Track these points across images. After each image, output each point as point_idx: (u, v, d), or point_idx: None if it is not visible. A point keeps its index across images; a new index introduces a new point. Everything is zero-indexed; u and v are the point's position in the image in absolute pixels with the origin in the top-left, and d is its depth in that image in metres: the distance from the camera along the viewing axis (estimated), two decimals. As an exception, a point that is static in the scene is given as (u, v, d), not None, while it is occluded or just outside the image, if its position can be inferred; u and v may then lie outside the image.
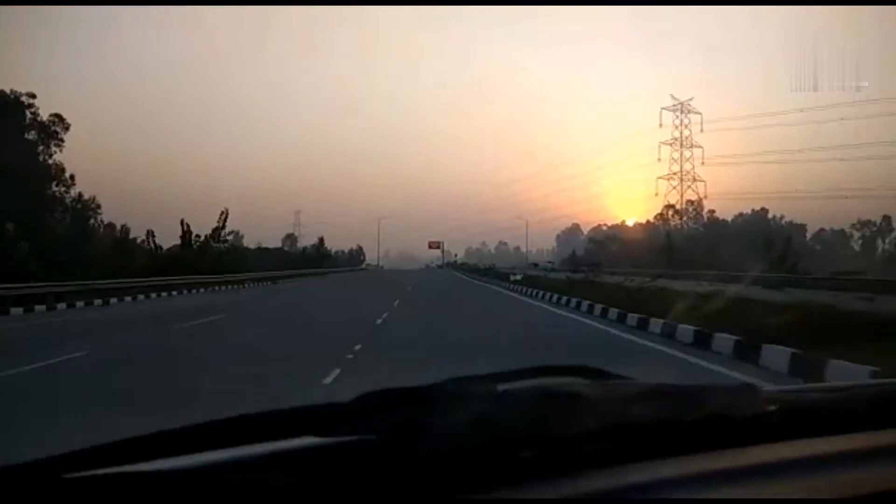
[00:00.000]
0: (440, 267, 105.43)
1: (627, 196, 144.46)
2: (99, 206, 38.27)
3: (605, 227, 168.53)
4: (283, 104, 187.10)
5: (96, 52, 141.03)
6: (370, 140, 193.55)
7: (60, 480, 0.69)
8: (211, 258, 38.43)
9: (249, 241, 69.04)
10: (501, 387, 0.83)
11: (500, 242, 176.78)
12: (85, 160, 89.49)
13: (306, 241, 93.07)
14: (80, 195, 36.33)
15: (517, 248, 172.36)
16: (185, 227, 40.02)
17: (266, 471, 0.71)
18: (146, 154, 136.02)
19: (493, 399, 0.80)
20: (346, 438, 0.76)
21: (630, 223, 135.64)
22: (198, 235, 40.46)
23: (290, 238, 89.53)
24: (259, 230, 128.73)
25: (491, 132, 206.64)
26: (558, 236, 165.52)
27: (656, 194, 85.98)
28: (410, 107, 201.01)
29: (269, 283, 42.38)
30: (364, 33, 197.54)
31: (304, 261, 66.01)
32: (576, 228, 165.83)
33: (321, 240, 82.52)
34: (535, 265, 69.72)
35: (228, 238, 42.47)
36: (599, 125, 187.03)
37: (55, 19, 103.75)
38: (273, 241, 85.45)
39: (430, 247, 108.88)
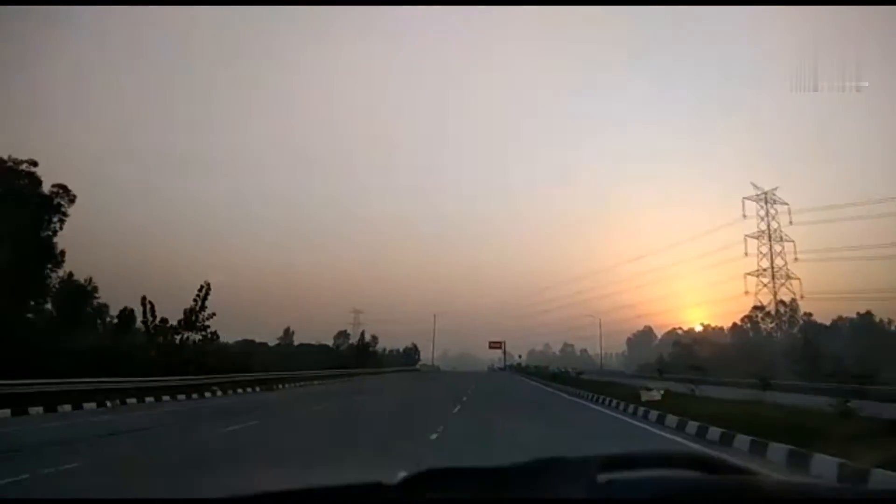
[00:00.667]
0: (502, 369, 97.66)
1: (708, 296, 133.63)
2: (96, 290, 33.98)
3: (680, 331, 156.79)
4: (337, 196, 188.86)
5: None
6: (431, 236, 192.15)
7: None
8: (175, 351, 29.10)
9: (305, 339, 66.91)
10: (603, 476, 0.69)
11: (566, 344, 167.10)
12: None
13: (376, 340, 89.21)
14: (70, 275, 32.02)
15: (584, 351, 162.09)
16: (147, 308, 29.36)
17: None
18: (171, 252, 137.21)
19: (592, 490, 0.66)
20: None
21: (707, 325, 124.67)
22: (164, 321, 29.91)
23: (342, 335, 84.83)
24: (318, 328, 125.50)
25: (556, 225, 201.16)
26: (629, 339, 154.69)
27: (746, 293, 76.63)
28: (472, 196, 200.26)
29: (253, 388, 30.50)
30: (418, 130, 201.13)
31: (348, 359, 60.74)
32: (648, 332, 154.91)
33: (362, 335, 75.94)
34: (574, 370, 62.98)
35: (208, 325, 30.84)
36: (675, 217, 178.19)
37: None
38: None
39: (490, 346, 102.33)
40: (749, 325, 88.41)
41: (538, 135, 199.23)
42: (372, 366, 62.94)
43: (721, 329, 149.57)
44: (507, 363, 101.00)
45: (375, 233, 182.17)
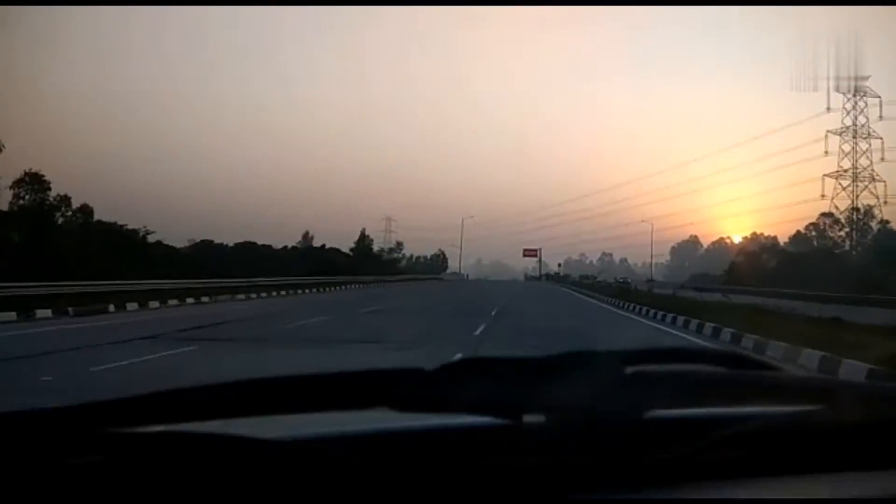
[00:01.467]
0: (537, 278, 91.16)
1: (762, 202, 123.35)
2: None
3: (728, 241, 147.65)
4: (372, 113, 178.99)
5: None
6: (464, 142, 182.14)
7: (104, 434, 0.58)
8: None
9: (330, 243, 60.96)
10: (630, 368, 0.73)
11: (604, 253, 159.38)
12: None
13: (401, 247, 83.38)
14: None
15: (623, 260, 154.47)
16: None
17: (326, 446, 0.62)
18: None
19: (619, 381, 0.69)
20: (426, 416, 0.64)
21: (759, 233, 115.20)
22: None
23: (364, 238, 78.82)
24: (346, 234, 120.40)
25: (597, 128, 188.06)
26: (673, 248, 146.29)
27: (822, 196, 67.13)
28: (507, 102, 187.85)
29: None
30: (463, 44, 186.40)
31: (359, 265, 53.41)
32: (693, 241, 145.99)
33: (362, 234, 65.49)
34: (623, 280, 56.46)
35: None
36: (730, 117, 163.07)
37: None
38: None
39: (525, 254, 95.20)
40: (814, 233, 79.73)
41: (576, 35, 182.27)
42: (384, 273, 56.48)
43: (774, 238, 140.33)
44: (543, 272, 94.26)
45: (407, 140, 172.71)
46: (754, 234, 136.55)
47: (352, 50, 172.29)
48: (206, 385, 0.66)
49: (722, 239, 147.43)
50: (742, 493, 0.66)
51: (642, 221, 78.28)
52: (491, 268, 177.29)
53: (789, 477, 0.68)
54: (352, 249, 59.58)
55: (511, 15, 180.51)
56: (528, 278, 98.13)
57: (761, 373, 0.90)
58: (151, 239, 32.91)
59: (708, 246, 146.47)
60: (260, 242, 50.61)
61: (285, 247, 53.16)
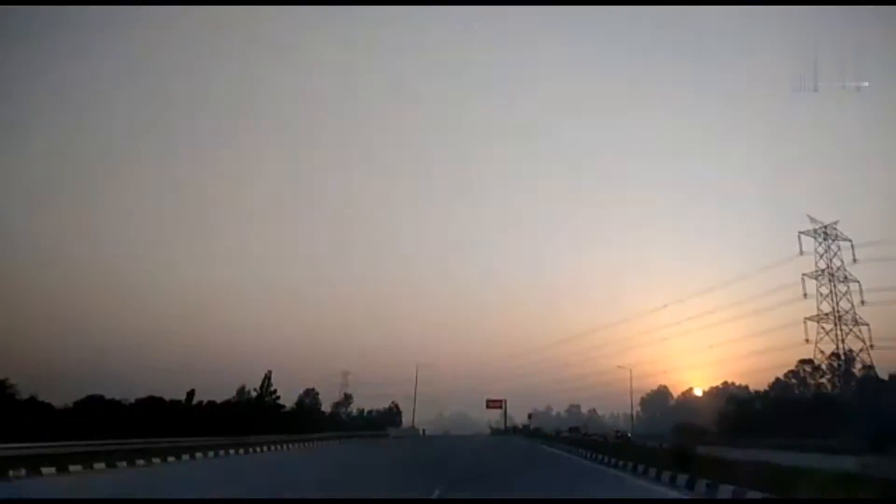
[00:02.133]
0: (504, 432, 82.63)
1: (731, 352, 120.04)
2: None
3: (698, 392, 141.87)
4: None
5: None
6: (424, 295, 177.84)
7: None
8: None
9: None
10: None
11: (571, 405, 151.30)
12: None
13: (359, 402, 75.51)
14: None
15: (592, 412, 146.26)
16: None
17: None
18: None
19: None
20: None
21: (731, 383, 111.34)
22: None
23: (310, 393, 69.77)
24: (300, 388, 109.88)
25: (560, 271, 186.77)
26: (643, 399, 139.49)
27: (807, 341, 63.38)
28: (470, 243, 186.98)
29: None
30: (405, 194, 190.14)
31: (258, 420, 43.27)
32: (664, 391, 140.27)
33: (263, 386, 56.31)
34: (621, 435, 49.80)
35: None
36: (700, 263, 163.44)
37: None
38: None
39: (489, 406, 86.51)
40: (794, 380, 75.17)
41: (541, 177, 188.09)
42: (314, 430, 47.27)
43: (745, 388, 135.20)
44: (510, 424, 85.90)
45: (365, 291, 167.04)
46: (725, 383, 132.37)
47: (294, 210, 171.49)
48: None
49: (691, 389, 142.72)
50: None
51: (619, 367, 72.20)
52: (453, 420, 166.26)
53: None
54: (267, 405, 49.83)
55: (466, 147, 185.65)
56: (495, 431, 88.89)
57: None
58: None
59: (678, 397, 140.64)
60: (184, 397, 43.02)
61: (200, 402, 44.96)
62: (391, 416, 74.43)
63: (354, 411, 73.29)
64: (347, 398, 71.42)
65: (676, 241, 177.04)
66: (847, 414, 45.84)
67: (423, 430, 79.35)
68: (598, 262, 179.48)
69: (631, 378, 74.27)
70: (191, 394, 43.51)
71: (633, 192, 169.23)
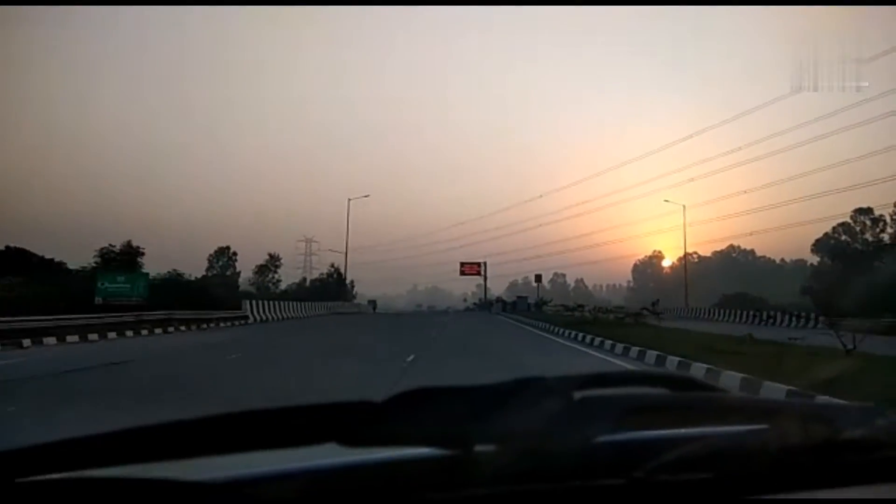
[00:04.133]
0: (483, 307, 65.91)
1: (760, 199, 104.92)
2: None
3: (695, 256, 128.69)
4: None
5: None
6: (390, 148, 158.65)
7: (14, 484, 0.57)
8: None
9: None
10: (578, 393, 0.74)
11: (556, 274, 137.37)
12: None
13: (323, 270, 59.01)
14: None
15: (579, 282, 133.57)
16: None
17: (263, 485, 0.61)
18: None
19: (568, 406, 0.71)
20: (376, 450, 0.66)
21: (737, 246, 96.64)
22: None
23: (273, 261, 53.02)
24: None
25: (534, 128, 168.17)
26: (635, 266, 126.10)
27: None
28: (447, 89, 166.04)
29: None
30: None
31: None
32: (657, 257, 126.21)
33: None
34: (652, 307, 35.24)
35: None
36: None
37: None
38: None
39: (462, 272, 66.20)
40: (845, 236, 60.37)
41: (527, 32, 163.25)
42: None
43: (752, 252, 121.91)
44: (490, 298, 68.75)
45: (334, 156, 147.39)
46: (731, 246, 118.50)
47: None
48: (139, 426, 0.62)
49: (688, 255, 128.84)
50: None
51: (667, 201, 52.86)
52: (427, 294, 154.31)
53: (737, 498, 0.69)
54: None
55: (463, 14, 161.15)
56: (468, 309, 72.06)
57: (708, 395, 0.95)
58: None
59: (673, 263, 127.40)
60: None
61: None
62: (331, 285, 55.32)
63: (284, 280, 56.65)
64: (274, 259, 54.22)
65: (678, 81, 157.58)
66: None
67: (375, 305, 62.59)
68: (581, 115, 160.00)
69: (685, 212, 57.95)
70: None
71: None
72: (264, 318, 30.34)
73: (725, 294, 52.69)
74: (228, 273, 52.75)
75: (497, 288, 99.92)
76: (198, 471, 0.60)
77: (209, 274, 51.18)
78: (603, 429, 0.69)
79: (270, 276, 52.62)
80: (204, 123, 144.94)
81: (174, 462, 0.61)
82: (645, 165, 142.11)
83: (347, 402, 0.67)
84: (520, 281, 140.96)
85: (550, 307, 52.36)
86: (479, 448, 0.63)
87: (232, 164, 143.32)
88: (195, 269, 48.88)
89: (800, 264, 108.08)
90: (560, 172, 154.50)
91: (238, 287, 48.27)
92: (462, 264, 65.43)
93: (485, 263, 66.09)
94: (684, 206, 52.02)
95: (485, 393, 0.69)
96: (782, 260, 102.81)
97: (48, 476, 0.55)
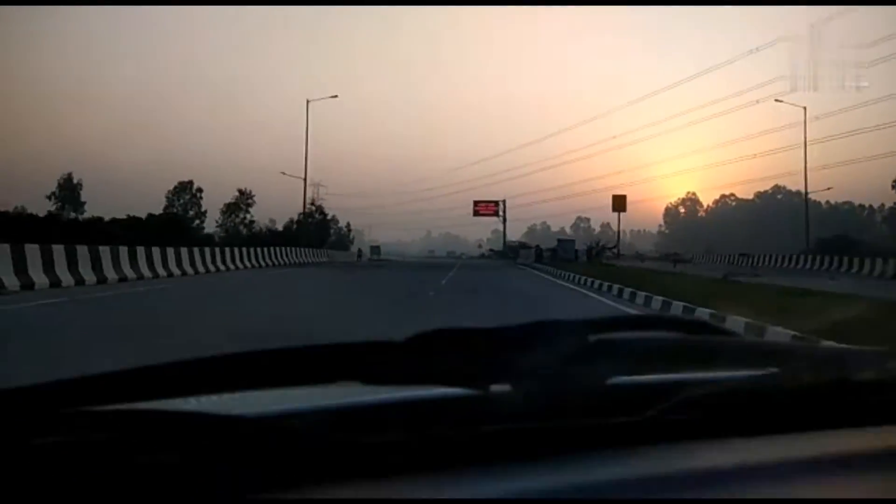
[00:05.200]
0: (496, 255, 57.55)
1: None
2: None
3: (732, 199, 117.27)
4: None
5: None
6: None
7: (58, 414, 0.60)
8: None
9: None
10: (593, 336, 0.76)
11: (580, 218, 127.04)
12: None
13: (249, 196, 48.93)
14: None
15: (606, 226, 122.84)
16: None
17: (295, 421, 0.65)
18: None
19: (583, 348, 0.72)
20: (398, 389, 0.69)
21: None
22: None
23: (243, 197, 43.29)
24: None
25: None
26: (668, 210, 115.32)
27: None
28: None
29: None
30: None
31: None
32: (692, 200, 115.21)
33: None
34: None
35: None
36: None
37: None
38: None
39: (476, 212, 55.11)
40: None
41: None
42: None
43: (798, 194, 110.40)
44: (512, 243, 57.88)
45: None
46: (776, 186, 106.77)
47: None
48: (170, 362, 0.64)
49: (724, 197, 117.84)
50: (705, 454, 0.68)
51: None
52: (442, 241, 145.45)
53: (746, 438, 0.71)
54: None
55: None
56: (484, 256, 61.75)
57: (720, 338, 0.95)
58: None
59: (709, 206, 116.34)
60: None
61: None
62: (313, 228, 44.34)
63: (260, 220, 46.97)
64: (245, 196, 44.67)
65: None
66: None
67: (368, 252, 50.42)
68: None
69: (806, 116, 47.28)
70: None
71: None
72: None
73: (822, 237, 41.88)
74: (192, 213, 43.85)
75: (513, 235, 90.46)
76: (227, 406, 0.63)
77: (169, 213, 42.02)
78: (617, 370, 0.71)
79: (242, 216, 43.58)
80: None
81: (203, 397, 0.64)
82: (680, 94, 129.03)
83: (370, 342, 0.68)
84: (538, 226, 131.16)
85: (612, 256, 40.92)
86: (495, 388, 0.65)
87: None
88: (153, 207, 40.17)
89: (846, 206, 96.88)
90: (583, 105, 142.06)
91: (194, 228, 39.03)
92: (476, 203, 54.93)
93: (503, 202, 55.48)
94: (805, 109, 38.37)
95: (502, 334, 0.71)
96: (827, 202, 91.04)
97: (95, 408, 0.58)
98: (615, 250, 46.12)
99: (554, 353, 0.69)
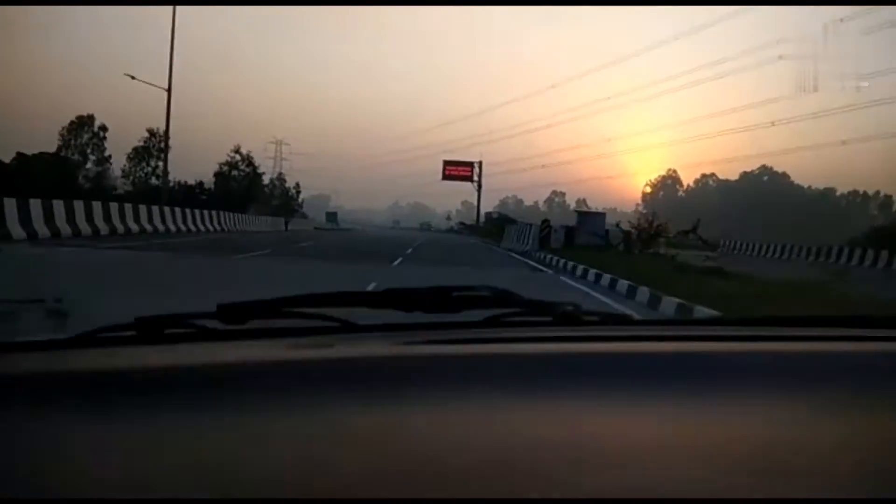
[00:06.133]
0: (460, 229, 49.12)
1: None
2: None
3: (713, 178, 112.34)
4: None
5: None
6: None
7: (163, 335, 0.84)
8: None
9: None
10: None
11: (555, 192, 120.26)
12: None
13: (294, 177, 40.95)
14: None
15: (582, 202, 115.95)
16: None
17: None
18: None
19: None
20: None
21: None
22: None
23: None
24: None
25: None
26: (646, 190, 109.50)
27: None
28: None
29: None
30: None
31: None
32: (672, 178, 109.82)
33: None
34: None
35: None
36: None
37: None
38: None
39: (447, 174, 46.85)
40: None
41: None
42: None
43: (785, 175, 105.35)
44: (492, 211, 50.74)
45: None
46: (763, 167, 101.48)
47: None
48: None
49: (705, 176, 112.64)
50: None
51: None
52: (409, 211, 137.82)
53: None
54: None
55: None
56: (452, 230, 54.00)
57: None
58: None
59: (689, 185, 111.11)
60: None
61: None
62: (242, 186, 35.22)
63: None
64: (158, 139, 35.85)
65: None
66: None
67: (335, 217, 42.36)
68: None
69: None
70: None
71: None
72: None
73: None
74: (93, 155, 35.01)
75: (485, 207, 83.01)
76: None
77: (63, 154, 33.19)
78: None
79: (153, 164, 34.70)
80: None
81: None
82: (661, 59, 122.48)
83: (342, 293, 0.95)
84: (510, 199, 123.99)
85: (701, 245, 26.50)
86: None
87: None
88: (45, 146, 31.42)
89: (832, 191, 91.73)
90: (560, 70, 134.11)
91: (93, 178, 30.36)
92: (447, 165, 46.66)
93: (479, 164, 47.35)
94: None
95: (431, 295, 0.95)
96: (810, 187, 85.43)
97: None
98: (697, 233, 29.98)
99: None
